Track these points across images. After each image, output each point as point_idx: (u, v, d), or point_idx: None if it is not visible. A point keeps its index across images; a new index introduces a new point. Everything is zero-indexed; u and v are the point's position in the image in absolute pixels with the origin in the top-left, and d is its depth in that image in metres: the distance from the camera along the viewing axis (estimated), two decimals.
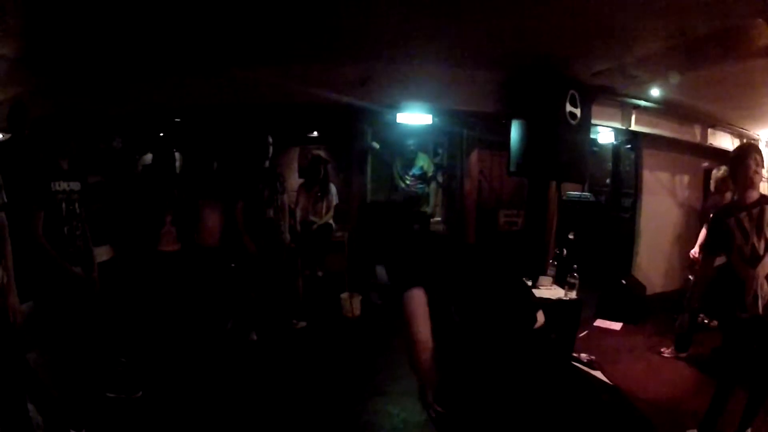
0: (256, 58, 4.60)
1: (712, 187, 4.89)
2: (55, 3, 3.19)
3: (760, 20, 3.09)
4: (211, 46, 4.23)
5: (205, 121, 5.68)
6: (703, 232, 4.68)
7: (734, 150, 3.44)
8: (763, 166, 2.96)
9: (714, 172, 4.82)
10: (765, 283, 2.85)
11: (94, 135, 5.23)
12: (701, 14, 3.08)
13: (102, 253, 4.13)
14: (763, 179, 3.16)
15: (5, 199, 2.45)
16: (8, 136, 3.84)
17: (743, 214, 2.91)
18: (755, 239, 2.87)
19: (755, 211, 2.87)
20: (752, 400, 2.98)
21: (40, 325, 3.04)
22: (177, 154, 5.55)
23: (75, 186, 3.25)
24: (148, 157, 5.62)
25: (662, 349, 4.73)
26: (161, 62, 4.59)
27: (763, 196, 2.95)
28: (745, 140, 6.76)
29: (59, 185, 3.13)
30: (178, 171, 5.37)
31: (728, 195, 4.58)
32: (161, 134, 5.84)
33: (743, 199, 2.95)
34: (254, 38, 4.07)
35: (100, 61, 4.52)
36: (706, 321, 5.17)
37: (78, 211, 3.25)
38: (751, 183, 2.92)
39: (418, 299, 2.03)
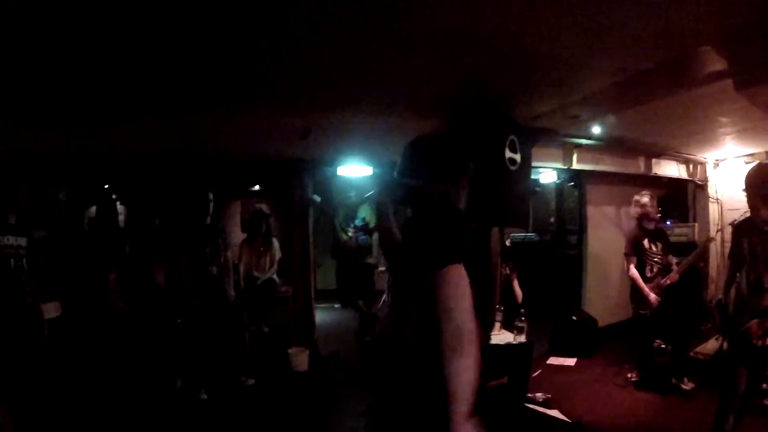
0: (200, 108, 4.53)
1: (635, 213, 4.88)
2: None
3: (707, 48, 3.09)
4: (155, 94, 4.16)
5: (148, 172, 5.59)
6: (633, 266, 4.76)
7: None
8: None
9: (637, 197, 4.85)
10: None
11: (40, 185, 5.10)
12: (646, 48, 3.08)
13: (51, 310, 4.03)
14: None
15: None
16: None
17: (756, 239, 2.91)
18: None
19: None
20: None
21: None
22: (122, 208, 5.46)
23: (22, 241, 3.18)
24: (93, 210, 5.52)
25: (629, 375, 4.87)
26: (107, 106, 4.50)
27: None
28: (691, 165, 6.97)
29: (7, 240, 3.06)
30: (122, 225, 5.28)
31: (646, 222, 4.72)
32: (105, 186, 5.74)
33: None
34: (197, 88, 4.01)
35: (43, 103, 4.41)
36: (662, 346, 5.32)
37: (26, 267, 3.18)
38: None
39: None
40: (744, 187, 3.17)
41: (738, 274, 3.05)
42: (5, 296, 3.02)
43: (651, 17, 2.66)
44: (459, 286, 1.59)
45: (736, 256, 3.12)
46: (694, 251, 4.99)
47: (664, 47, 3.08)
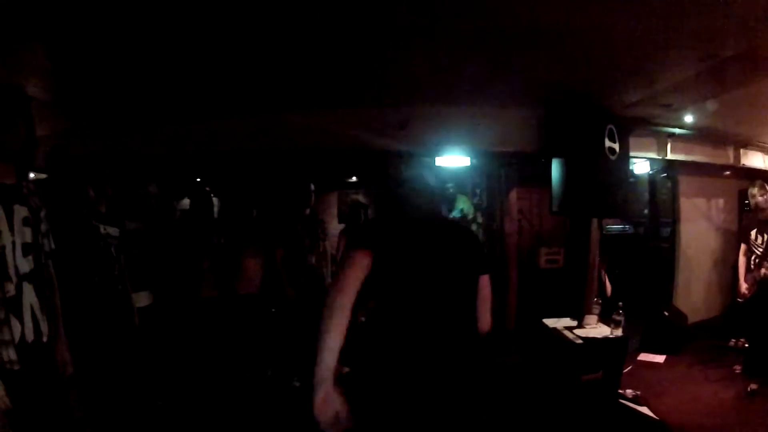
0: (295, 102, 4.64)
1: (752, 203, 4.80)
2: (88, 48, 3.23)
3: None
4: (249, 90, 4.27)
5: (243, 166, 5.72)
6: (742, 253, 4.77)
7: None
8: None
9: (750, 189, 4.79)
10: None
11: (131, 180, 5.31)
12: (729, 35, 3.07)
13: (141, 299, 4.16)
14: None
15: (53, 246, 2.24)
16: (45, 176, 3.75)
17: None
18: None
19: None
20: None
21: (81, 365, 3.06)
22: (215, 200, 5.60)
23: (113, 231, 3.29)
24: (186, 202, 5.66)
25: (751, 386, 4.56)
26: (199, 105, 4.65)
27: None
28: None
29: (103, 229, 3.18)
30: (216, 216, 5.41)
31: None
32: (198, 179, 5.91)
33: None
34: (292, 82, 4.10)
35: (136, 103, 4.58)
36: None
37: (116, 255, 3.29)
38: None
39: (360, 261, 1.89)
40: None
41: None
42: (97, 281, 3.11)
43: (734, 3, 2.64)
44: (346, 268, 1.88)
45: None
46: None
47: (747, 35, 3.05)
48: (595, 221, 4.75)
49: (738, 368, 4.77)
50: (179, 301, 4.63)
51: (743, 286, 4.66)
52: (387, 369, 1.96)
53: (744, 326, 4.84)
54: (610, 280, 5.33)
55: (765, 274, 4.49)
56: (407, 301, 2.02)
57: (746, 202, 4.96)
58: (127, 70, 3.69)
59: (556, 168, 4.52)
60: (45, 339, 2.07)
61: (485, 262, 2.34)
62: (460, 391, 1.97)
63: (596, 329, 4.36)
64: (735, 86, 4.03)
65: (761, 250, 4.59)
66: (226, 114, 4.86)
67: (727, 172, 6.20)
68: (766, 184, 4.60)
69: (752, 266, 4.65)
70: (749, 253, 4.70)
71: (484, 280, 2.25)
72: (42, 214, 2.13)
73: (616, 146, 4.50)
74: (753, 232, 4.68)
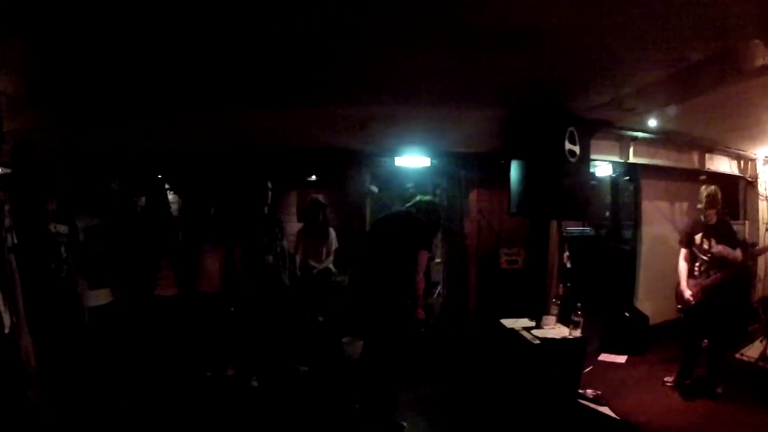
0: (255, 101, 4.58)
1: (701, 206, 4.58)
2: (55, 43, 3.17)
3: (757, 41, 3.10)
4: (210, 88, 4.22)
5: (203, 164, 5.65)
6: (682, 258, 4.62)
7: None
8: None
9: (703, 190, 4.57)
10: None
11: (93, 176, 5.21)
12: (699, 39, 3.10)
13: (101, 296, 4.09)
14: None
15: (15, 241, 2.35)
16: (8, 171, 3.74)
17: None
18: None
19: None
20: None
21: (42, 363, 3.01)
22: (175, 197, 5.51)
23: (63, 229, 3.24)
24: (145, 199, 5.58)
25: (665, 378, 4.73)
26: (161, 102, 4.57)
27: None
28: (742, 162, 6.82)
29: (55, 227, 3.14)
30: (176, 214, 5.33)
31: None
32: (158, 176, 5.81)
33: None
34: (253, 80, 4.06)
35: (100, 101, 4.50)
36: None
37: (65, 254, 3.23)
38: None
39: None
40: None
41: None
42: (44, 279, 3.07)
43: (703, 9, 2.67)
44: None
45: None
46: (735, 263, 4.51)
47: (715, 40, 3.10)
48: (554, 223, 4.77)
49: (669, 380, 4.70)
50: (139, 299, 4.57)
51: (686, 293, 4.47)
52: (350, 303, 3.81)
53: (686, 335, 4.70)
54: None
55: (706, 284, 4.38)
56: (360, 267, 4.01)
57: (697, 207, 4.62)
58: (93, 67, 3.62)
59: (515, 169, 4.54)
60: (6, 330, 2.16)
61: (422, 242, 3.81)
62: (385, 319, 3.74)
63: (555, 330, 4.39)
64: (701, 91, 4.01)
65: (707, 256, 4.41)
66: (187, 111, 4.79)
67: (703, 176, 6.23)
68: (717, 192, 4.45)
69: (696, 273, 4.49)
70: (692, 258, 4.54)
71: (422, 255, 3.76)
72: (6, 208, 2.15)
73: (577, 148, 4.52)
74: (698, 237, 4.49)
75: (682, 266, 4.59)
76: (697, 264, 4.50)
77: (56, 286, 3.21)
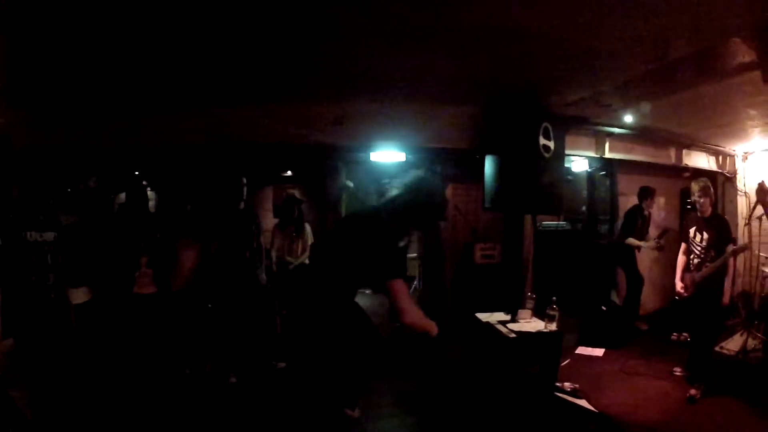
0: (230, 97, 4.58)
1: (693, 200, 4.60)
2: (32, 40, 3.16)
3: (736, 39, 3.13)
4: (186, 84, 4.20)
5: (179, 160, 5.63)
6: (681, 252, 4.67)
7: None
8: None
9: (693, 185, 4.58)
10: None
11: (71, 174, 5.17)
12: (678, 37, 3.11)
13: (80, 295, 4.07)
14: None
15: None
16: None
17: None
18: None
19: None
20: None
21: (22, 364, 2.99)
22: (152, 194, 5.48)
23: (49, 236, 3.20)
24: (123, 196, 5.54)
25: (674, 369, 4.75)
26: (137, 100, 4.56)
27: None
28: (720, 158, 6.89)
29: (30, 236, 3.09)
30: (153, 211, 5.30)
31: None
32: (135, 173, 5.78)
33: None
34: (228, 76, 4.05)
35: (78, 98, 4.47)
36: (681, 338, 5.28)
37: (50, 262, 3.20)
38: None
39: None
40: None
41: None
42: (29, 291, 3.06)
43: (683, 8, 2.69)
44: None
45: None
46: (722, 256, 4.50)
47: (695, 38, 3.11)
48: (529, 218, 4.81)
49: (678, 371, 4.73)
50: (117, 298, 4.54)
51: (678, 285, 4.54)
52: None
53: (684, 327, 4.80)
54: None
55: (695, 277, 4.42)
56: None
57: (688, 201, 4.78)
58: (69, 65, 3.61)
59: (489, 165, 4.56)
60: None
61: (389, 267, 2.80)
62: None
63: (530, 323, 4.40)
64: (680, 88, 4.08)
65: (699, 249, 4.48)
66: (164, 108, 4.78)
67: (687, 173, 6.27)
68: (709, 184, 4.47)
69: (691, 266, 4.54)
70: (689, 252, 4.60)
71: (395, 285, 2.77)
72: None
73: (551, 144, 4.56)
74: (692, 230, 4.54)
75: (680, 260, 4.65)
76: (691, 257, 4.56)
77: (40, 296, 3.18)
